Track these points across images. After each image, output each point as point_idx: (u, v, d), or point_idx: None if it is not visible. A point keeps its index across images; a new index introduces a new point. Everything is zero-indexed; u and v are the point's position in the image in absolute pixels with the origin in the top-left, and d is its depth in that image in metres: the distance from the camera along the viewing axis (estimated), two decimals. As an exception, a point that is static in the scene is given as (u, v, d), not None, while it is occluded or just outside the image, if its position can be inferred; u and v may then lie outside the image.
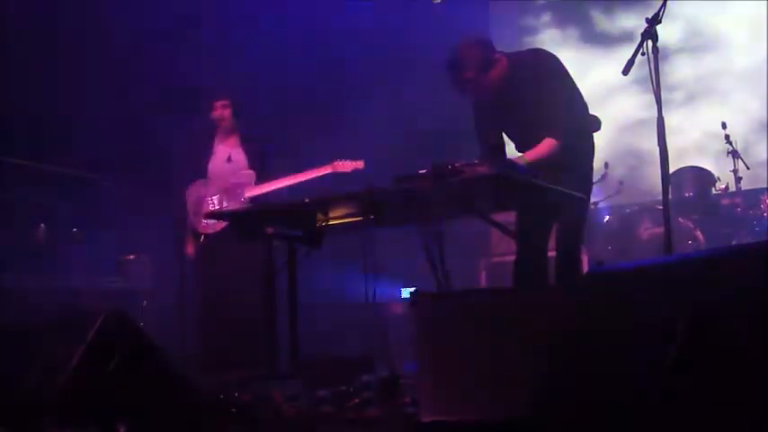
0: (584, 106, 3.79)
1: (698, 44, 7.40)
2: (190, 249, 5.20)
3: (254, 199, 5.02)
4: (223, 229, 4.97)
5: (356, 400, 3.23)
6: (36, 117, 5.96)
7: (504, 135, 3.96)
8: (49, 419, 2.45)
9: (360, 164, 4.82)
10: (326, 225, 4.01)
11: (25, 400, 2.59)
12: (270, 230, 4.33)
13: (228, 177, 5.18)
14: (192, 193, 5.25)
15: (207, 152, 5.31)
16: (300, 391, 3.54)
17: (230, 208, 5.00)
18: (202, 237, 5.16)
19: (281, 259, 4.21)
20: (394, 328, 6.20)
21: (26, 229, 5.82)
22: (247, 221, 4.24)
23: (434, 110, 6.91)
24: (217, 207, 5.11)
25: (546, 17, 8.34)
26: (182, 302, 4.93)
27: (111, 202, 6.20)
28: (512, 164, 3.39)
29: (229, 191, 5.11)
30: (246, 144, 5.25)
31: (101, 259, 6.10)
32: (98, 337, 2.66)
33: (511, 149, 3.97)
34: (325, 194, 3.61)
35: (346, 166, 4.80)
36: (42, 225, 5.91)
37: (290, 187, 4.96)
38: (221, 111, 5.24)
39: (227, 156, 5.24)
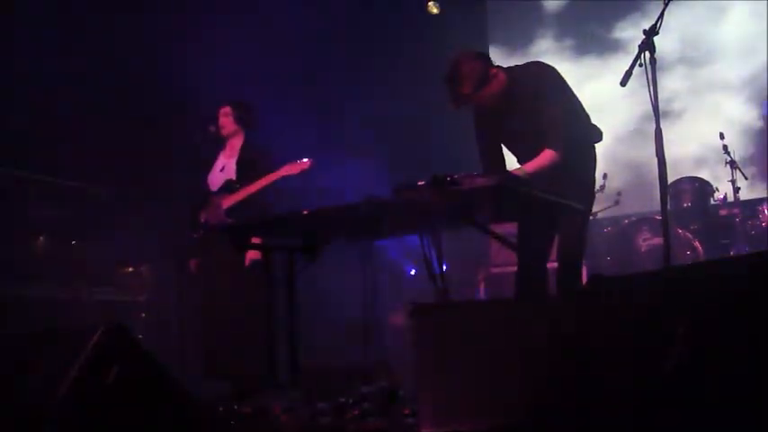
0: (585, 117, 3.80)
1: (696, 54, 7.43)
2: (192, 262, 5.18)
3: (229, 210, 5.00)
4: (221, 240, 4.94)
5: (356, 412, 3.22)
6: (33, 128, 5.96)
7: (504, 147, 3.97)
8: (48, 430, 2.44)
9: (306, 164, 4.83)
10: (326, 236, 4.01)
11: (25, 410, 2.58)
12: (258, 240, 4.33)
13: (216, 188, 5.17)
14: (194, 204, 5.24)
15: (210, 162, 5.29)
16: (300, 402, 3.53)
17: (210, 220, 5.00)
18: (199, 248, 5.15)
19: (280, 270, 4.21)
20: (393, 338, 6.19)
21: (26, 240, 5.82)
22: (246, 233, 4.24)
23: (434, 120, 6.93)
24: (202, 220, 5.10)
25: (543, 29, 8.37)
26: (180, 314, 4.91)
27: (110, 214, 6.20)
28: (512, 175, 3.40)
29: (213, 203, 5.09)
30: (241, 152, 5.17)
31: (99, 271, 6.10)
32: (97, 349, 2.65)
33: (511, 161, 3.98)
34: (325, 206, 3.60)
35: (294, 168, 4.83)
36: (42, 237, 5.92)
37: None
38: (223, 119, 5.21)
39: (222, 166, 5.21)
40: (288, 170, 4.85)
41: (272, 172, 4.94)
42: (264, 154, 5.17)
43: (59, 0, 6.07)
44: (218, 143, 5.28)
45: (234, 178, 5.07)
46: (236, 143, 5.21)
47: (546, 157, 3.54)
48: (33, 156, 5.90)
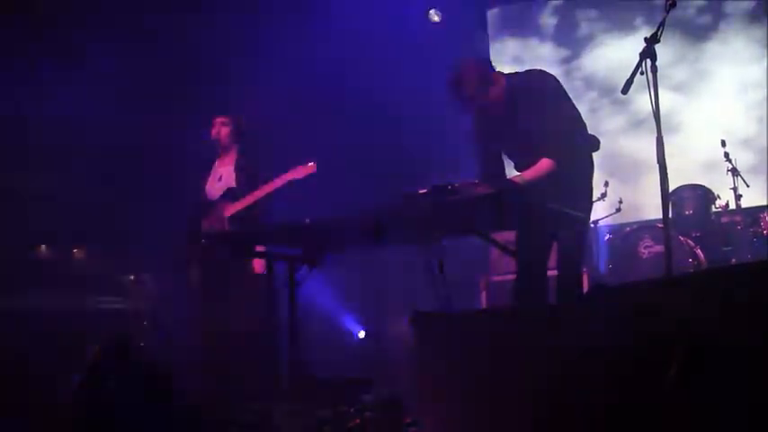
0: (583, 126, 3.81)
1: (696, 59, 7.43)
2: (193, 272, 5.18)
3: (232, 218, 4.99)
4: (223, 249, 4.95)
5: (357, 421, 3.22)
6: (36, 132, 5.98)
7: (503, 154, 3.98)
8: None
9: (312, 168, 4.78)
10: (328, 246, 4.02)
11: (29, 417, 2.59)
12: (261, 248, 4.33)
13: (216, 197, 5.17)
14: (193, 214, 5.24)
15: (207, 172, 5.29)
16: (301, 410, 3.53)
17: (214, 229, 5.00)
18: (201, 257, 5.15)
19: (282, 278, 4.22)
20: (395, 347, 6.18)
21: (28, 248, 5.83)
22: (248, 241, 4.25)
23: (435, 127, 6.94)
24: (205, 228, 5.11)
25: (543, 37, 8.38)
26: (183, 322, 4.92)
27: (110, 221, 6.21)
28: (511, 184, 3.41)
29: (215, 211, 5.09)
30: (238, 161, 5.18)
31: (101, 279, 6.11)
32: (101, 356, 2.67)
33: (510, 168, 3.99)
34: (327, 215, 3.61)
35: (300, 172, 4.79)
36: (44, 245, 5.93)
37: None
38: (219, 128, 5.22)
39: (219, 175, 5.22)
40: (294, 174, 4.81)
41: (269, 179, 4.93)
42: (261, 162, 5.19)
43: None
44: (213, 151, 5.29)
45: (235, 186, 5.08)
46: (232, 152, 5.23)
47: (543, 165, 3.55)
48: (37, 163, 5.92)
